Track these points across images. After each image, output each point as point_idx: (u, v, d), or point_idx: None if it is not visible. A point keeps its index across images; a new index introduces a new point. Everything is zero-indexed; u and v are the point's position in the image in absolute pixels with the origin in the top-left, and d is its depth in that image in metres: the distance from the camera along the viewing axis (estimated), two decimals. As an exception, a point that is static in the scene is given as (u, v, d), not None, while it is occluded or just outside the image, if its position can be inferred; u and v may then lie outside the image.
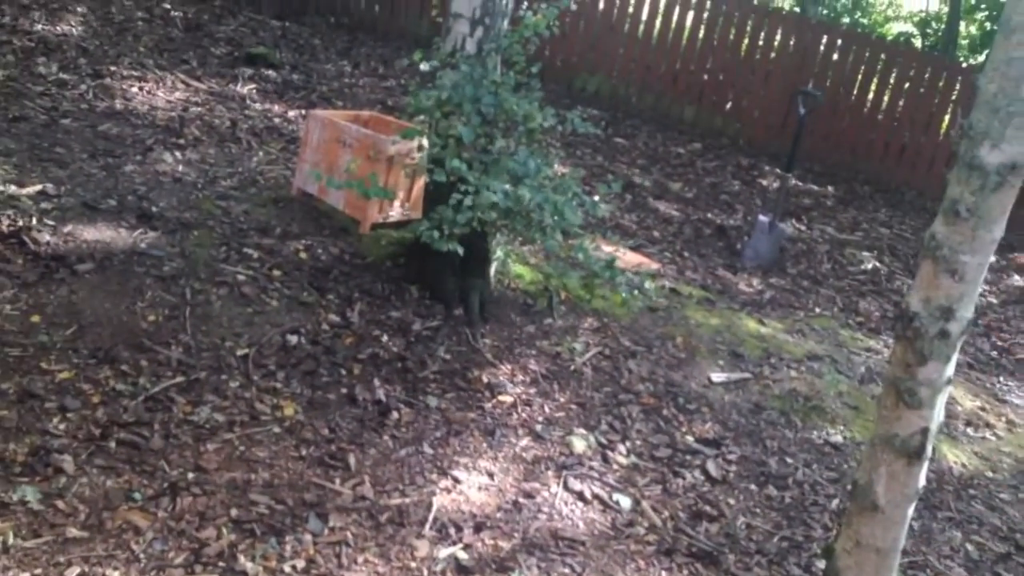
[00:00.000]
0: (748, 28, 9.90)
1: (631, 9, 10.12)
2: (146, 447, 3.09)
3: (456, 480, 3.37)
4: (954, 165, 2.35)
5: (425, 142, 4.36)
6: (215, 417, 3.34)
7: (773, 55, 9.88)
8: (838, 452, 4.24)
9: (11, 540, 2.59)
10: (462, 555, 3.00)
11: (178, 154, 5.66)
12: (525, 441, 3.73)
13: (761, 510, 3.69)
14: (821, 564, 3.29)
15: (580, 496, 3.48)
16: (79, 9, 8.02)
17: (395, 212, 5.11)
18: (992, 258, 2.42)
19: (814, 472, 4.03)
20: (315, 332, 4.03)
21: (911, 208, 9.01)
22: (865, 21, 17.62)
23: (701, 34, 10.08)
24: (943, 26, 15.06)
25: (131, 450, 3.07)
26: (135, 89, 6.69)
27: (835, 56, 9.74)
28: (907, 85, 9.50)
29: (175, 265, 4.20)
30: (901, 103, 9.58)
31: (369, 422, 3.57)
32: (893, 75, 9.54)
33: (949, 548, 3.73)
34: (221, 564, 2.69)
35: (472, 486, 3.37)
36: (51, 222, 4.28)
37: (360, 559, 2.87)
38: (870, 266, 7.17)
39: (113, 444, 3.06)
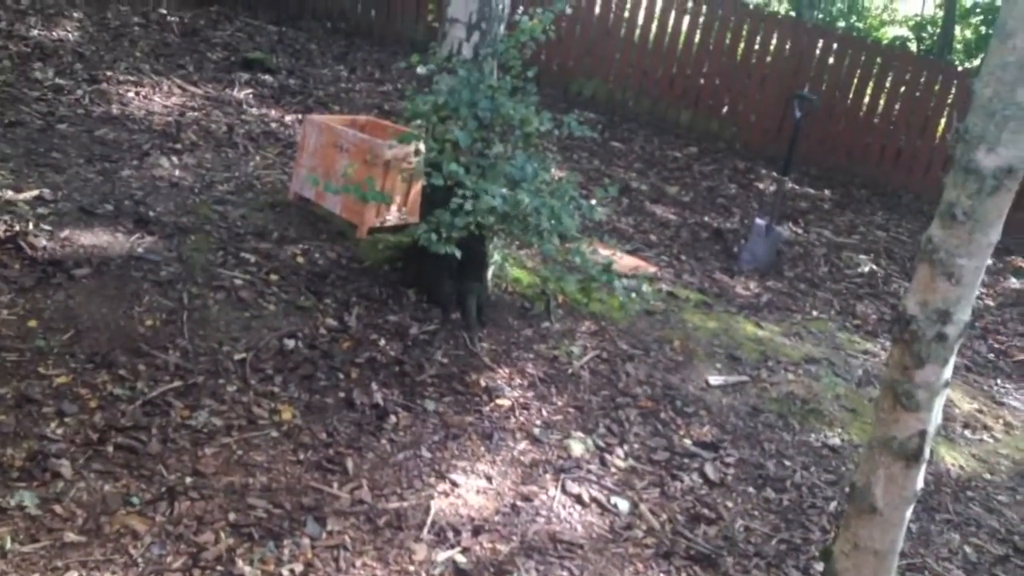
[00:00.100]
0: (744, 32, 9.92)
1: (627, 14, 10.14)
2: (144, 451, 3.09)
3: (454, 484, 3.37)
4: (950, 169, 2.36)
5: (422, 146, 4.37)
6: (213, 421, 3.33)
7: (769, 59, 9.91)
8: (836, 455, 4.25)
9: (9, 545, 2.58)
10: (460, 558, 3.00)
11: (175, 159, 5.66)
12: (523, 444, 3.73)
13: (759, 513, 3.69)
14: (819, 566, 3.30)
15: (578, 499, 3.48)
16: (75, 14, 8.03)
17: (392, 216, 5.11)
18: (989, 261, 2.43)
19: (812, 475, 4.04)
20: (313, 336, 4.03)
21: (907, 211, 9.03)
22: (860, 25, 17.68)
23: (697, 38, 10.10)
24: (938, 30, 15.11)
25: (129, 454, 3.06)
26: (131, 94, 6.69)
27: (831, 60, 9.77)
28: (903, 89, 9.53)
29: (172, 270, 4.20)
30: (897, 107, 9.60)
31: (367, 426, 3.57)
32: (889, 79, 9.57)
33: (947, 550, 3.74)
34: (219, 568, 2.69)
35: (470, 489, 3.37)
36: (48, 227, 4.28)
37: (358, 563, 2.86)
38: (867, 269, 7.18)
39: (111, 448, 3.06)
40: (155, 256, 4.26)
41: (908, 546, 3.63)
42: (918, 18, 17.18)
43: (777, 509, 3.74)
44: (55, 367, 3.38)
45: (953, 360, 2.47)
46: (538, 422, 3.91)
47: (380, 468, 3.36)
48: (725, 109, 10.11)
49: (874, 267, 7.26)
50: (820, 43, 9.82)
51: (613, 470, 3.72)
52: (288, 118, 7.19)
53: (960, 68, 11.52)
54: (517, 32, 4.35)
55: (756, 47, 9.92)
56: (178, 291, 4.05)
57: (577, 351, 4.58)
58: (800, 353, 5.18)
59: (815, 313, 6.08)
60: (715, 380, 4.64)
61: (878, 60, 9.65)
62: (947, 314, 2.38)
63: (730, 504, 3.70)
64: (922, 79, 9.48)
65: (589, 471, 3.66)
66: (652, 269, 6.06)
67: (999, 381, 5.63)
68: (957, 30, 15.28)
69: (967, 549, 3.78)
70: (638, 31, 10.21)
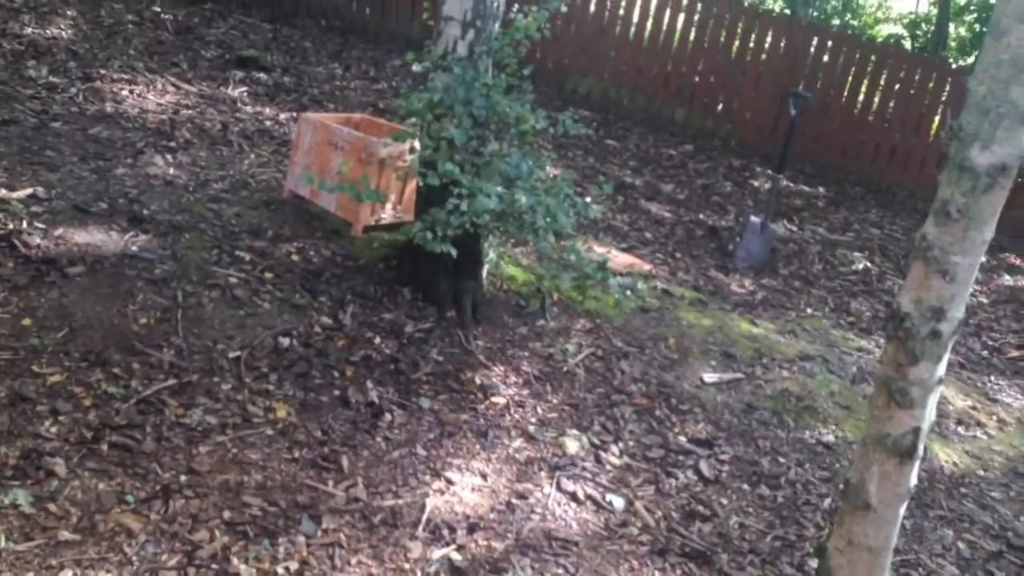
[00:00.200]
0: (739, 30, 9.93)
1: (622, 11, 10.15)
2: (138, 450, 3.09)
3: (449, 481, 3.37)
4: (944, 166, 2.37)
5: (417, 144, 4.36)
6: (207, 419, 3.33)
7: (764, 57, 9.92)
8: (830, 451, 4.26)
9: (3, 543, 2.58)
10: (455, 556, 3.00)
11: (169, 157, 5.66)
12: (518, 442, 3.73)
13: (754, 509, 3.70)
14: (814, 563, 3.30)
15: (573, 497, 3.48)
16: (69, 12, 8.01)
17: (387, 214, 5.11)
18: (983, 258, 2.43)
19: (806, 471, 4.04)
20: (307, 334, 4.03)
21: (902, 208, 9.05)
22: (855, 23, 17.69)
23: (692, 36, 10.11)
24: (933, 28, 15.13)
25: (123, 453, 3.06)
26: (125, 92, 6.67)
27: (826, 58, 9.78)
28: (897, 86, 9.54)
29: (166, 268, 4.20)
30: (891, 104, 9.62)
31: (362, 424, 3.57)
32: (883, 76, 9.58)
33: (941, 546, 3.75)
34: (214, 566, 2.69)
35: (465, 487, 3.37)
36: (42, 225, 4.27)
37: (353, 560, 2.86)
38: (861, 266, 7.19)
39: (105, 447, 3.06)
40: (149, 254, 4.26)
41: (902, 542, 3.64)
42: (912, 16, 17.20)
43: (772, 506, 3.75)
44: (49, 365, 3.37)
45: (947, 357, 2.48)
46: (533, 420, 3.92)
47: (375, 466, 3.36)
48: (720, 107, 10.12)
49: (868, 264, 7.27)
50: (815, 41, 9.83)
51: (608, 467, 3.72)
52: (283, 116, 7.19)
53: (954, 66, 11.55)
54: (512, 30, 4.35)
55: (751, 45, 9.93)
56: (172, 289, 4.05)
57: (572, 349, 4.58)
58: (795, 350, 5.18)
59: (810, 310, 6.09)
60: (710, 377, 4.64)
61: (873, 58, 9.67)
62: (941, 311, 2.38)
63: (725, 501, 3.70)
64: (916, 77, 9.49)
65: (584, 468, 3.67)
66: (647, 267, 6.07)
67: (993, 378, 5.64)
68: (951, 28, 15.30)
69: (961, 545, 3.79)
70: (633, 29, 10.21)
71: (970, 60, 14.14)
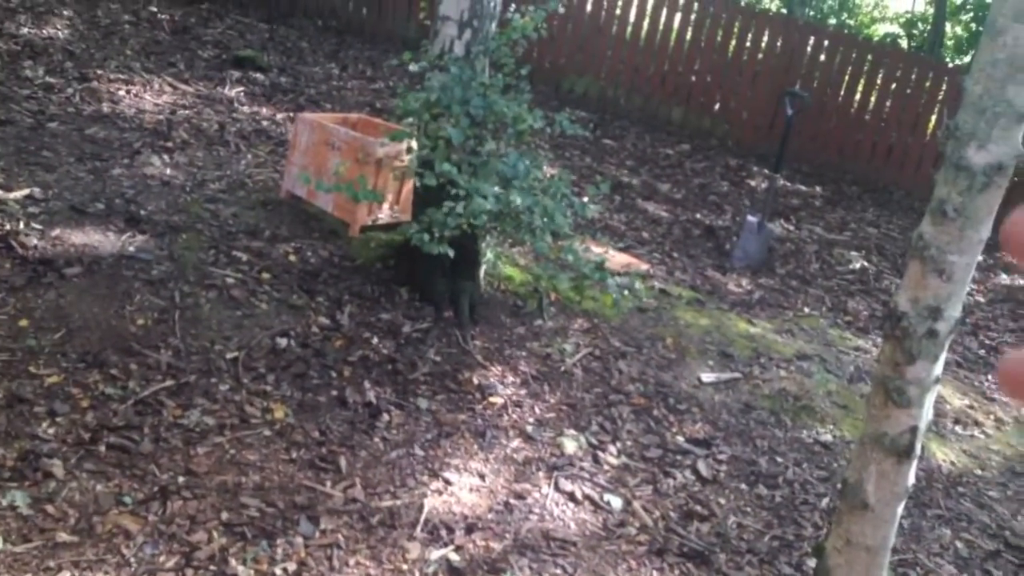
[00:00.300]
0: (735, 30, 9.93)
1: (619, 11, 10.15)
2: (136, 451, 3.08)
3: (447, 482, 3.37)
4: (941, 166, 2.37)
5: (414, 144, 4.36)
6: (205, 420, 3.33)
7: (760, 56, 9.92)
8: (828, 451, 4.26)
9: (1, 545, 2.58)
10: (453, 556, 3.00)
11: (166, 157, 5.65)
12: (516, 442, 3.73)
13: (752, 509, 3.70)
14: (812, 563, 3.31)
15: (571, 497, 3.48)
16: (65, 12, 8.00)
17: (384, 214, 5.11)
18: (979, 257, 2.44)
19: (804, 471, 4.05)
20: (305, 335, 4.03)
21: (898, 208, 9.06)
22: (851, 22, 17.71)
23: (689, 36, 10.11)
24: (929, 27, 15.14)
25: (121, 454, 3.06)
26: (122, 92, 6.67)
27: (822, 57, 9.79)
28: (894, 86, 9.55)
29: (164, 268, 4.19)
30: (888, 103, 9.63)
31: (360, 424, 3.57)
32: (880, 76, 9.59)
33: (939, 546, 3.75)
34: (212, 567, 2.69)
35: (463, 487, 3.37)
36: (38, 226, 4.26)
37: (351, 561, 2.86)
38: (858, 266, 7.20)
39: (103, 448, 3.05)
40: (146, 255, 4.25)
41: (900, 542, 3.65)
42: (909, 15, 17.21)
43: (770, 505, 3.75)
44: (46, 366, 3.37)
45: (944, 356, 2.48)
46: (531, 420, 3.92)
47: (373, 466, 3.35)
48: (717, 106, 10.13)
49: (865, 264, 7.28)
50: (811, 40, 9.84)
51: (606, 467, 3.73)
52: (279, 116, 7.18)
53: (951, 65, 11.57)
54: (509, 30, 4.35)
55: (748, 44, 9.93)
56: (170, 290, 4.04)
57: (570, 349, 4.58)
58: (792, 350, 5.19)
59: (807, 310, 6.10)
60: (707, 377, 4.65)
61: (869, 57, 9.67)
62: (938, 310, 2.39)
63: (723, 501, 3.71)
64: (913, 76, 9.50)
65: (582, 469, 3.67)
66: (644, 266, 6.07)
67: (990, 377, 5.65)
68: (948, 27, 15.32)
69: (958, 544, 3.80)
70: (630, 28, 10.21)
71: (966, 59, 14.16)
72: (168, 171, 5.42)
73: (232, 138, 6.36)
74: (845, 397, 4.75)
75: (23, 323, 3.57)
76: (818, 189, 9.14)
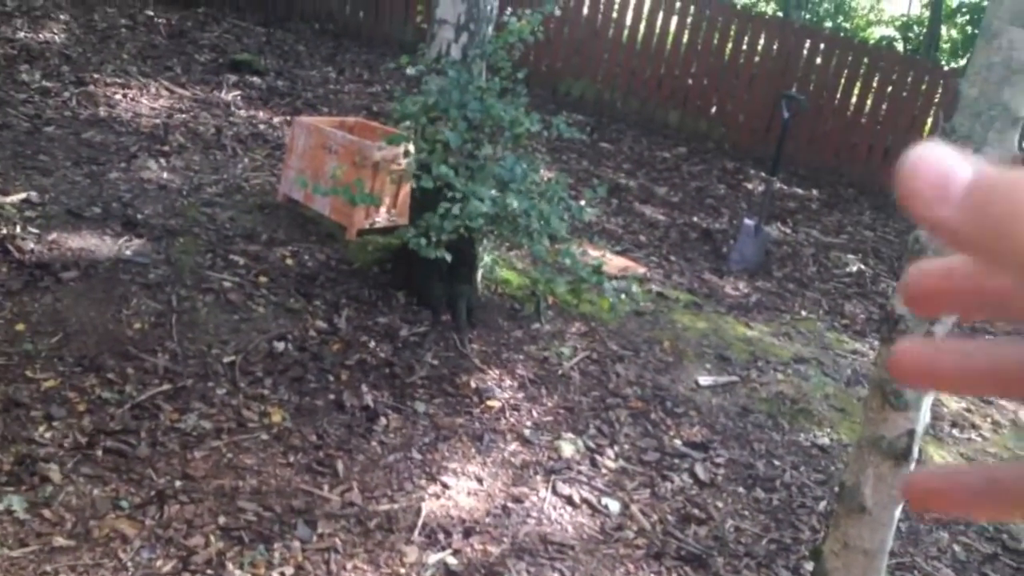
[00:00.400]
0: (732, 33, 9.95)
1: (615, 14, 10.16)
2: (133, 455, 3.08)
3: (445, 485, 3.37)
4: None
5: (411, 148, 4.36)
6: (202, 424, 3.32)
7: (757, 59, 9.94)
8: (825, 454, 4.26)
9: (-3, 550, 2.57)
10: (451, 560, 2.99)
11: (163, 161, 5.65)
12: (514, 446, 3.73)
13: (749, 512, 3.70)
14: (809, 566, 3.30)
15: (569, 500, 3.48)
16: (62, 17, 7.99)
17: (381, 218, 5.11)
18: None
19: (801, 474, 4.05)
20: (302, 338, 4.03)
21: (895, 210, 9.05)
22: (847, 25, 17.74)
23: (685, 39, 10.13)
24: (924, 30, 15.18)
25: (118, 458, 3.05)
26: (119, 96, 6.66)
27: (818, 60, 9.81)
28: (890, 88, 9.57)
29: (161, 272, 4.19)
30: (884, 106, 9.64)
31: (357, 428, 3.56)
32: (876, 79, 9.61)
33: (936, 549, 3.75)
34: (209, 572, 2.68)
35: (461, 491, 3.36)
36: (35, 230, 4.26)
37: (349, 565, 2.86)
38: (855, 269, 7.20)
39: (100, 452, 3.05)
40: (143, 259, 4.25)
41: (897, 545, 3.65)
42: (904, 18, 17.26)
43: (767, 509, 3.75)
44: (43, 371, 3.37)
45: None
46: (528, 423, 3.92)
47: (371, 470, 3.35)
48: (713, 109, 10.14)
49: (862, 267, 7.28)
50: (807, 43, 9.86)
51: (604, 471, 3.72)
52: (276, 120, 7.18)
53: (946, 68, 11.58)
54: (505, 33, 4.35)
55: (744, 47, 9.95)
56: (167, 294, 4.04)
57: (567, 352, 4.58)
58: (789, 353, 5.19)
59: (804, 313, 6.10)
60: (705, 380, 4.65)
61: (865, 60, 9.69)
62: (935, 314, 2.39)
63: (720, 504, 3.71)
64: (909, 79, 9.52)
65: (580, 472, 3.67)
66: (641, 270, 6.07)
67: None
68: (943, 30, 15.36)
69: (956, 548, 3.80)
70: (626, 32, 10.22)
71: (962, 62, 14.19)
72: (165, 175, 5.42)
73: (229, 142, 6.36)
74: (842, 400, 4.75)
75: (20, 327, 3.56)
76: (815, 192, 9.15)
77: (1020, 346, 0.33)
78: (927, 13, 15.48)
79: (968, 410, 5.07)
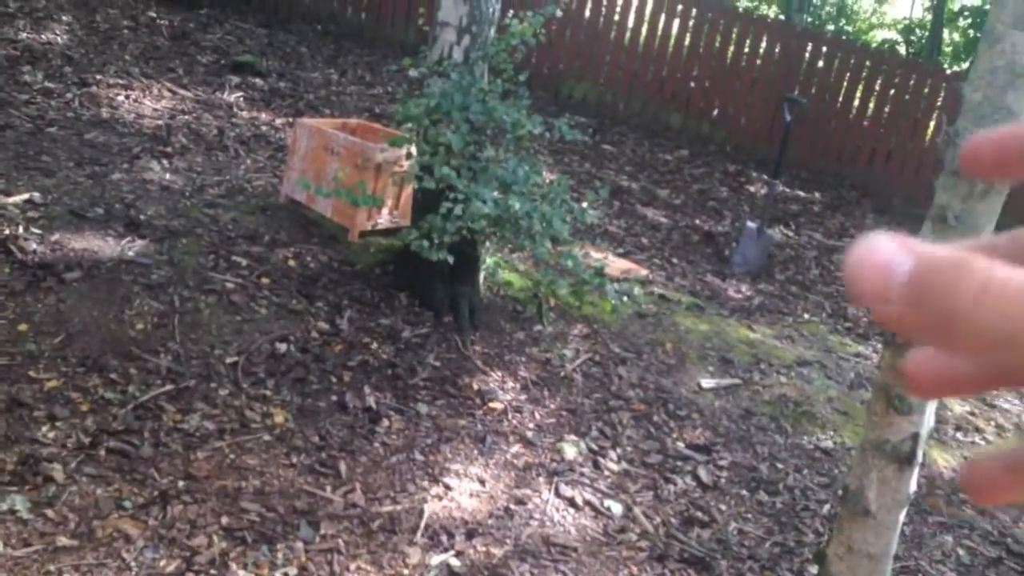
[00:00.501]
0: (734, 36, 9.95)
1: (617, 17, 10.16)
2: (136, 455, 3.08)
3: (447, 487, 3.37)
4: (941, 172, 2.37)
5: (413, 150, 4.36)
6: (205, 425, 3.32)
7: (759, 62, 9.94)
8: (828, 457, 4.26)
9: (1, 549, 2.57)
10: (454, 562, 2.99)
11: (165, 162, 5.65)
12: (516, 448, 3.73)
13: (753, 515, 3.70)
14: (813, 570, 3.30)
15: (571, 502, 3.48)
16: (64, 18, 8.00)
17: (384, 219, 5.11)
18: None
19: (805, 477, 4.05)
20: (305, 340, 4.03)
21: (897, 213, 9.06)
22: (850, 28, 17.75)
23: (687, 42, 10.13)
24: (927, 33, 15.18)
25: (121, 458, 3.05)
26: (121, 97, 6.66)
27: (820, 63, 9.81)
28: (892, 91, 9.57)
29: (163, 273, 4.19)
30: (886, 109, 9.64)
31: (360, 429, 3.56)
32: (878, 82, 9.61)
33: (941, 553, 3.75)
34: (212, 572, 2.68)
35: (463, 493, 3.36)
36: (38, 231, 4.26)
37: (352, 566, 2.86)
38: (857, 272, 7.19)
39: (103, 452, 3.05)
40: (146, 259, 4.25)
41: (901, 549, 3.64)
42: (907, 21, 17.26)
43: (770, 512, 3.75)
44: (46, 371, 3.36)
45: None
46: (531, 425, 3.91)
47: (373, 471, 3.35)
48: (716, 112, 10.14)
49: (864, 269, 7.27)
50: (810, 46, 9.86)
51: (606, 473, 3.72)
52: (279, 121, 7.18)
53: (949, 71, 11.58)
54: (507, 35, 4.35)
55: (746, 50, 9.95)
56: (169, 294, 4.04)
57: (569, 354, 4.58)
58: (792, 356, 5.19)
59: (807, 316, 6.10)
60: (707, 383, 4.65)
61: (867, 63, 9.69)
62: (940, 316, 2.38)
63: (723, 507, 3.70)
64: (911, 82, 9.52)
65: (582, 474, 3.66)
66: (644, 272, 6.07)
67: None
68: (945, 33, 15.36)
69: (960, 551, 3.79)
70: (628, 34, 10.22)
71: (964, 65, 14.19)
72: (167, 176, 5.42)
73: (231, 143, 6.36)
74: (845, 403, 4.75)
75: (23, 327, 3.56)
76: (817, 195, 9.15)
77: None
78: (929, 16, 15.48)
79: (972, 413, 5.07)
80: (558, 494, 3.50)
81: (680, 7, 9.99)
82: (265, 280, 4.39)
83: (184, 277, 4.21)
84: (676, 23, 10.11)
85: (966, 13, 14.95)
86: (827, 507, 3.84)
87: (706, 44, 10.04)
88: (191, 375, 3.58)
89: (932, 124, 9.45)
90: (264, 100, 7.67)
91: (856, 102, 9.72)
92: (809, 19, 15.70)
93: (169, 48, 8.29)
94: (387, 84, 9.11)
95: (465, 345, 4.36)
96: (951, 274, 0.28)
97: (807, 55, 9.82)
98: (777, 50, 9.84)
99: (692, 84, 10.14)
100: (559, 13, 4.71)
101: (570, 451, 3.79)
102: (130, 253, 4.28)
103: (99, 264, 4.10)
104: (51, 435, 3.06)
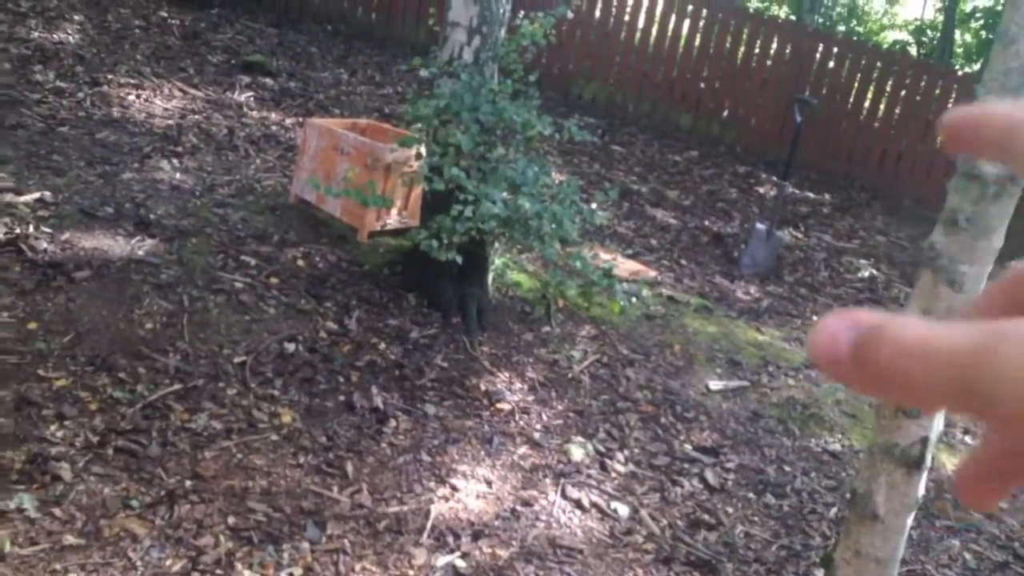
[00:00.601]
0: (744, 36, 9.93)
1: (628, 17, 10.15)
2: (144, 455, 3.09)
3: (454, 488, 3.37)
4: (951, 173, 2.36)
5: (423, 150, 4.37)
6: (213, 425, 3.33)
7: (769, 63, 9.91)
8: (836, 460, 4.24)
9: (8, 548, 2.58)
10: (460, 563, 2.99)
11: (176, 162, 5.66)
12: (523, 449, 3.73)
13: (759, 518, 3.69)
14: (820, 573, 3.29)
15: (578, 504, 3.47)
16: (76, 17, 8.03)
17: (393, 220, 5.11)
18: (991, 267, 2.42)
19: (812, 480, 4.03)
20: (313, 340, 4.03)
21: (908, 215, 9.03)
22: (860, 29, 17.70)
23: (697, 42, 10.11)
24: (938, 34, 15.12)
25: (129, 458, 3.06)
26: (132, 97, 6.69)
27: (831, 64, 9.78)
28: (903, 92, 9.53)
29: (173, 273, 4.20)
30: (897, 110, 9.61)
31: (367, 430, 3.56)
32: (889, 83, 9.58)
33: (947, 557, 3.73)
34: (219, 572, 2.68)
35: (470, 494, 3.36)
36: (48, 230, 4.27)
37: (358, 567, 2.86)
38: (867, 274, 7.18)
39: (111, 451, 3.06)
40: (155, 259, 4.26)
41: (908, 552, 3.63)
42: (918, 22, 17.20)
43: (777, 515, 3.74)
44: (55, 370, 3.38)
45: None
46: (538, 426, 3.91)
47: (380, 472, 3.35)
48: (725, 113, 10.12)
49: (874, 272, 7.25)
50: (820, 47, 9.83)
51: (613, 475, 3.72)
52: (288, 121, 7.19)
53: (960, 72, 11.54)
54: (518, 36, 4.35)
55: (756, 51, 9.93)
56: (178, 294, 4.05)
57: (577, 355, 4.57)
58: (800, 358, 5.17)
59: (815, 318, 6.08)
60: (715, 385, 4.63)
61: (878, 64, 9.66)
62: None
63: (730, 510, 3.69)
64: (922, 83, 9.49)
65: (589, 476, 3.66)
66: (652, 273, 6.06)
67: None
68: (957, 34, 15.30)
69: (967, 556, 3.77)
70: (638, 35, 10.21)
71: (976, 66, 14.14)
72: (177, 176, 5.44)
73: (241, 143, 6.37)
74: (854, 406, 4.73)
75: (32, 326, 3.57)
76: (827, 196, 9.12)
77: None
78: (941, 18, 15.42)
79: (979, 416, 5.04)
80: (565, 496, 3.50)
81: (690, 8, 9.97)
82: (274, 280, 4.39)
83: (193, 277, 4.22)
84: (686, 24, 10.09)
85: (978, 14, 14.89)
86: (834, 511, 3.83)
87: (716, 45, 10.01)
88: (199, 374, 3.59)
89: (943, 126, 9.40)
90: (274, 100, 7.68)
91: (867, 103, 9.68)
92: (820, 20, 15.66)
93: (180, 48, 8.32)
94: (397, 84, 9.12)
95: (473, 346, 4.36)
96: (872, 336, 0.32)
97: (818, 56, 9.79)
98: (788, 51, 9.81)
99: (702, 85, 10.12)
100: (570, 14, 4.71)
101: (577, 453, 3.79)
102: (140, 252, 4.29)
103: (109, 263, 4.12)
104: (59, 434, 3.07)
